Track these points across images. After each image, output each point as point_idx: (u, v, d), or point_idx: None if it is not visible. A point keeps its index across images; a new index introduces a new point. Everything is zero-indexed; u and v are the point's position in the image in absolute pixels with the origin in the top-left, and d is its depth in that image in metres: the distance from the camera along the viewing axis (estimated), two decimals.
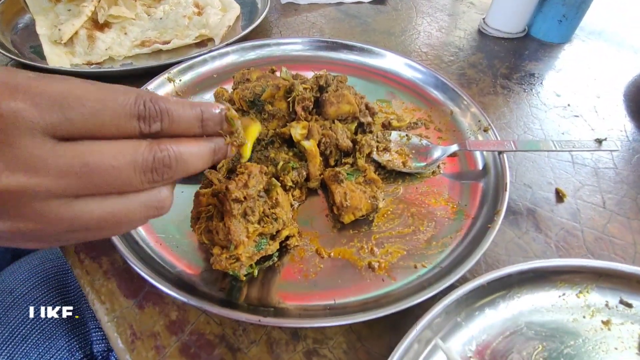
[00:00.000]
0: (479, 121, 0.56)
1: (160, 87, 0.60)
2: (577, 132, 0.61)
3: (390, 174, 0.51)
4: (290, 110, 0.50)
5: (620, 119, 0.64)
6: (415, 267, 0.41)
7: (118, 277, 0.39)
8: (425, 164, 0.51)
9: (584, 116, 0.64)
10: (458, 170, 0.52)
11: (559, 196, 0.51)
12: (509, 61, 0.76)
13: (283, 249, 0.42)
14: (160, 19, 0.77)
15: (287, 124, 0.51)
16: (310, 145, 0.48)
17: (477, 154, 0.53)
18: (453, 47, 0.79)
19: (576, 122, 0.63)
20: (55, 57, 0.64)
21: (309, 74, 0.64)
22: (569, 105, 0.66)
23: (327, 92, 0.56)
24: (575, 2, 0.75)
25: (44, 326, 0.55)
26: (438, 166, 0.52)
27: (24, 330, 0.54)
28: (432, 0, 0.96)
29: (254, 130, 0.45)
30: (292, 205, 0.46)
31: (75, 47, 0.68)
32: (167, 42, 0.71)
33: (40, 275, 0.57)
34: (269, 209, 0.40)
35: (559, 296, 0.39)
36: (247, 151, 0.37)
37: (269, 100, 0.48)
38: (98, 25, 0.73)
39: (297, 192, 0.47)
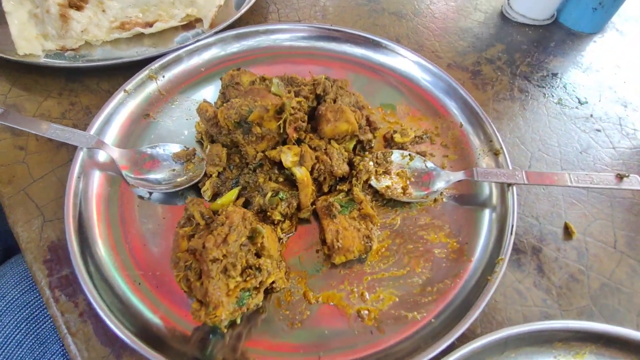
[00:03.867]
0: (491, 141, 0.51)
1: (142, 85, 0.54)
2: (597, 151, 0.56)
3: (389, 201, 0.48)
4: (281, 130, 0.45)
5: None
6: (407, 317, 0.39)
7: (95, 320, 0.38)
8: (426, 193, 0.47)
9: (607, 130, 0.58)
10: (462, 195, 0.48)
11: (568, 232, 0.47)
12: (531, 56, 0.68)
13: (268, 291, 0.40)
14: None
15: (278, 144, 0.46)
16: (302, 174, 0.43)
17: (486, 182, 0.49)
18: (470, 35, 0.71)
19: (597, 137, 0.58)
20: (25, 43, 0.58)
21: (308, 67, 0.58)
22: (591, 115, 0.60)
23: (324, 100, 0.50)
24: None
25: (38, 331, 0.55)
26: (441, 193, 0.48)
27: (18, 336, 0.54)
28: None
29: (230, 195, 0.44)
30: (280, 239, 0.43)
31: (47, 27, 0.61)
32: (150, 24, 0.64)
33: (31, 279, 0.56)
34: (253, 257, 0.37)
35: (554, 357, 0.37)
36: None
37: (257, 122, 0.43)
38: (73, 1, 0.64)
39: (286, 225, 0.44)
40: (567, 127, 0.58)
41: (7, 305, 0.55)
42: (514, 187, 0.46)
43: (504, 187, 0.47)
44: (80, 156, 0.45)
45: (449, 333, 0.36)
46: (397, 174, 0.49)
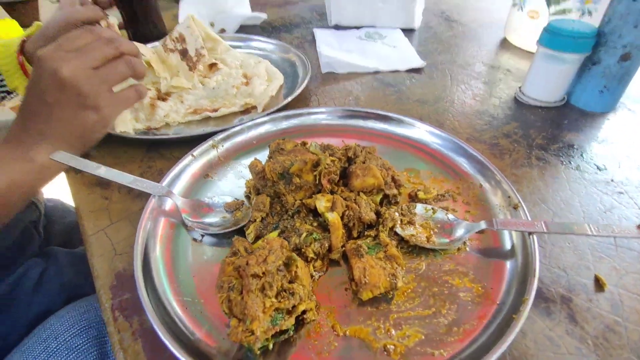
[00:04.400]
0: (509, 197, 0.55)
1: (206, 152, 0.66)
2: (622, 211, 0.57)
3: (414, 249, 0.51)
4: (317, 182, 0.53)
5: None
6: (433, 354, 0.40)
7: (144, 339, 0.42)
8: (449, 240, 0.51)
9: (630, 193, 0.60)
10: (485, 247, 0.51)
11: (599, 284, 0.47)
12: (545, 131, 0.74)
13: (300, 322, 0.43)
14: (213, 88, 0.86)
15: (313, 194, 0.53)
16: (333, 217, 0.49)
17: (506, 234, 0.52)
18: (487, 116, 0.80)
19: (621, 199, 0.59)
20: (122, 124, 0.74)
21: (341, 140, 0.67)
22: (612, 180, 0.63)
23: (354, 163, 0.58)
24: (616, 74, 0.73)
25: None
26: (464, 242, 0.51)
27: None
28: (468, 68, 0.99)
29: (270, 236, 0.50)
30: (312, 276, 0.48)
31: (139, 113, 0.78)
32: (216, 110, 0.79)
33: (84, 324, 0.62)
34: (287, 282, 0.41)
35: None
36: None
37: (297, 173, 0.51)
38: (160, 94, 0.83)
39: (318, 264, 0.49)
40: (588, 190, 0.61)
41: (59, 346, 0.61)
42: (535, 236, 0.48)
43: (525, 237, 0.49)
44: (152, 202, 0.54)
45: None
46: (421, 225, 0.54)
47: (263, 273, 0.39)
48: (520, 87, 0.86)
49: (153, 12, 1.01)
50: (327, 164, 0.53)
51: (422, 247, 0.51)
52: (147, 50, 0.86)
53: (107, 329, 0.44)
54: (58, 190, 1.03)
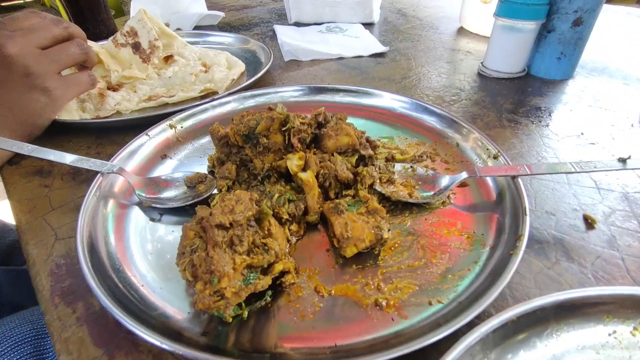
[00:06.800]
0: (487, 149, 0.53)
1: (162, 132, 0.60)
2: (596, 158, 0.57)
3: (397, 206, 0.48)
4: (287, 143, 0.48)
5: None
6: (430, 303, 0.36)
7: (91, 324, 0.35)
8: (433, 193, 0.48)
9: (601, 143, 0.60)
10: (470, 200, 0.48)
11: (588, 223, 0.45)
12: (512, 97, 0.75)
13: (277, 288, 0.37)
14: (169, 77, 0.81)
15: (284, 157, 0.49)
16: (307, 176, 0.45)
17: (490, 182, 0.49)
18: (454, 88, 0.79)
19: (593, 149, 0.59)
20: (66, 113, 0.67)
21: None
22: (582, 133, 0.63)
23: (325, 128, 0.55)
24: (571, 39, 0.76)
25: None
26: (448, 196, 0.48)
27: None
28: (430, 52, 1.00)
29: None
30: (289, 241, 0.42)
31: (86, 103, 0.71)
32: (173, 96, 0.74)
33: (16, 338, 0.53)
34: (260, 239, 0.36)
35: (609, 334, 0.32)
36: None
37: (264, 133, 0.47)
38: (111, 85, 0.77)
39: (294, 227, 0.44)
40: (561, 144, 0.61)
41: None
42: (519, 180, 0.46)
43: (509, 182, 0.47)
44: (99, 181, 0.48)
45: (472, 307, 0.32)
46: (402, 184, 0.50)
47: (230, 224, 0.34)
48: (482, 62, 0.87)
49: (101, 9, 0.95)
50: (297, 124, 0.49)
51: (406, 203, 0.47)
52: (96, 46, 0.80)
53: (44, 319, 0.36)
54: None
